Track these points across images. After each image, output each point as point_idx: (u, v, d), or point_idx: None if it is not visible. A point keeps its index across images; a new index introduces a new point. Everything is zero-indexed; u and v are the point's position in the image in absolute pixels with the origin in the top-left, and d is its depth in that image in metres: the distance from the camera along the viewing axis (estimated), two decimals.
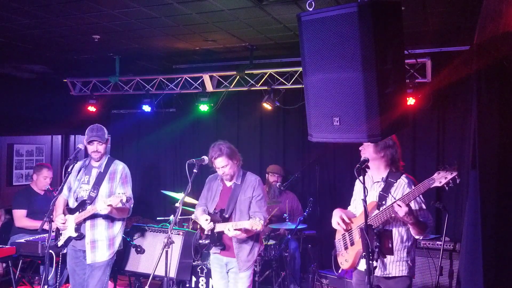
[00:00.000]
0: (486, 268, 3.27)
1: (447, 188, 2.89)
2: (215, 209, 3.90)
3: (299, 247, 5.56)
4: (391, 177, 3.20)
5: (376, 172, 3.27)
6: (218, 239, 3.82)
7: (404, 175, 3.22)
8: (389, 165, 3.24)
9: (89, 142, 4.04)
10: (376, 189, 3.24)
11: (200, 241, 3.89)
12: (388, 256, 3.10)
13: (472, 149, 3.89)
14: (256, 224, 3.51)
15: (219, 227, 3.77)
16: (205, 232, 3.82)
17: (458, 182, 2.90)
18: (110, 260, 4.05)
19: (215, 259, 3.97)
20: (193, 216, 4.11)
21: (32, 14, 4.25)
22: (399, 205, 2.92)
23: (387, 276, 3.17)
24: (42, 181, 5.44)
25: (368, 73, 2.44)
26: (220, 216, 3.81)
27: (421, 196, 3.06)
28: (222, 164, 3.79)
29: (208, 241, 3.83)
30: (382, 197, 3.15)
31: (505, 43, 3.10)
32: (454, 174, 2.82)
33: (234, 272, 3.85)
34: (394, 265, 3.16)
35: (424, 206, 3.14)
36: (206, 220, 3.77)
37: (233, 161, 3.83)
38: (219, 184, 3.99)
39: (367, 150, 3.23)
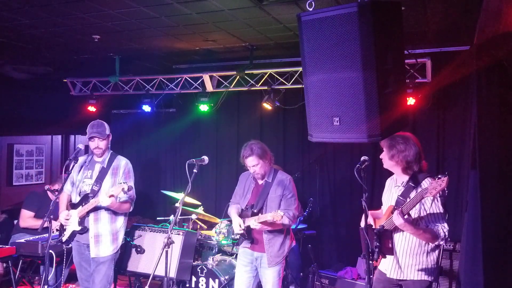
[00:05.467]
0: (486, 268, 3.27)
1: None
2: (246, 205, 4.03)
3: (299, 247, 5.56)
4: (412, 181, 3.12)
5: (399, 177, 3.26)
6: (248, 234, 3.94)
7: (426, 179, 3.09)
8: (405, 169, 3.16)
9: (90, 139, 4.09)
10: (395, 193, 3.21)
11: (233, 236, 4.07)
12: (405, 260, 3.11)
13: (472, 149, 3.89)
14: (277, 216, 3.60)
15: (248, 222, 3.88)
16: (236, 232, 3.98)
17: (446, 194, 3.01)
18: (114, 254, 4.10)
19: (244, 253, 4.05)
20: (228, 213, 4.23)
21: (32, 14, 4.25)
22: (397, 216, 2.92)
23: (404, 279, 3.15)
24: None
25: (368, 73, 2.44)
26: (250, 211, 3.93)
27: (425, 201, 3.03)
28: (253, 163, 3.91)
29: (239, 235, 3.98)
30: (400, 201, 3.09)
31: (505, 43, 3.10)
32: (443, 185, 2.80)
33: (263, 267, 3.93)
34: (412, 269, 3.11)
35: (424, 213, 3.08)
36: (239, 224, 3.91)
37: (264, 161, 3.94)
38: (251, 181, 4.10)
39: (384, 159, 3.22)
